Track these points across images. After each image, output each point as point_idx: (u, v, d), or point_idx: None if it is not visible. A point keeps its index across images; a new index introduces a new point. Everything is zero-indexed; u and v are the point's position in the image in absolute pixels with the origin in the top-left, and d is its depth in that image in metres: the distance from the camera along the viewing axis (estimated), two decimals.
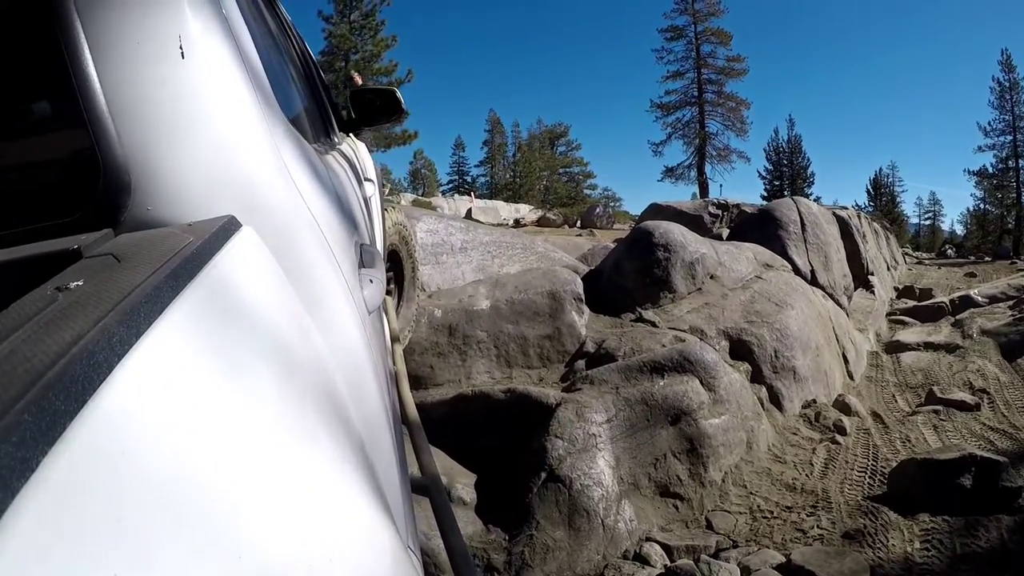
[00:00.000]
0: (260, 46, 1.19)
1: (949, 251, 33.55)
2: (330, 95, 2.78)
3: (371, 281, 1.43)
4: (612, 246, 10.00)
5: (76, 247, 0.64)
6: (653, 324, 6.41)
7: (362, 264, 1.44)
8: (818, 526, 4.43)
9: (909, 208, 65.27)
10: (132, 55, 0.82)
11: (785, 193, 44.84)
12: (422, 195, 41.95)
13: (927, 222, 67.52)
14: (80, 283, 0.52)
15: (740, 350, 6.22)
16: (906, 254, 24.49)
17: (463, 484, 4.54)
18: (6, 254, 0.64)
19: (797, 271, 8.81)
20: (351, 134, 3.05)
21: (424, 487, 1.60)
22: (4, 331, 0.42)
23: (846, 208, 15.01)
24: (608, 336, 6.06)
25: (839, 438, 5.79)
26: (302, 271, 0.96)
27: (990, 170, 44.37)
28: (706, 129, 43.64)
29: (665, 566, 4.19)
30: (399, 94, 3.05)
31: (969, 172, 45.67)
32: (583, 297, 6.49)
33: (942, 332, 9.13)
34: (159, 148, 0.81)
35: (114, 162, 0.77)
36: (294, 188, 1.06)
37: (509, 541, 4.17)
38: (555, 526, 4.18)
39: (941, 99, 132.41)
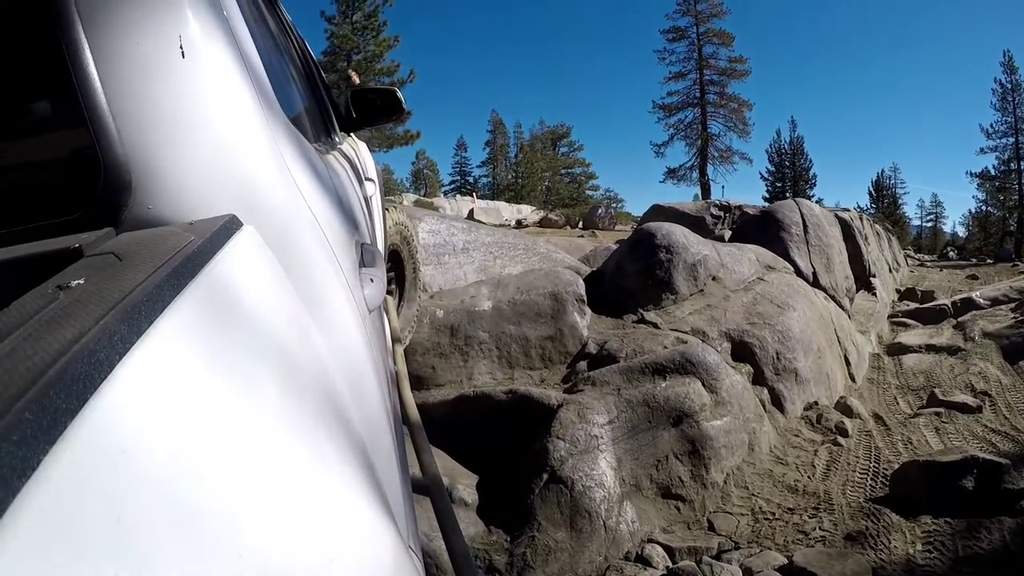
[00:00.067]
0: (260, 45, 1.19)
1: (951, 253, 33.58)
2: (331, 95, 2.78)
3: (371, 280, 1.43)
4: (614, 247, 9.98)
5: (77, 246, 0.64)
6: (655, 325, 6.41)
7: (362, 263, 1.44)
8: (820, 528, 4.42)
9: (911, 210, 65.31)
10: (133, 55, 0.82)
11: (787, 195, 44.83)
12: (424, 195, 42.00)
13: (929, 224, 67.51)
14: (81, 281, 0.52)
15: (742, 352, 6.22)
16: (908, 256, 24.46)
17: (465, 485, 4.54)
18: (7, 252, 0.64)
19: (799, 273, 8.81)
20: (352, 133, 3.05)
21: (425, 487, 1.60)
22: (5, 329, 0.42)
23: (848, 210, 15.01)
24: (610, 337, 6.05)
25: (841, 440, 5.79)
26: (303, 270, 0.96)
27: (992, 172, 44.27)
28: (708, 130, 43.58)
29: (667, 567, 4.18)
30: (400, 94, 3.05)
31: (971, 174, 45.62)
32: (585, 298, 6.49)
33: (944, 334, 9.12)
34: (160, 147, 0.81)
35: (115, 161, 0.77)
36: (295, 187, 1.06)
37: (511, 542, 4.17)
38: (557, 527, 4.18)
39: (943, 101, 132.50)
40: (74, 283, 0.51)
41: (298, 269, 0.93)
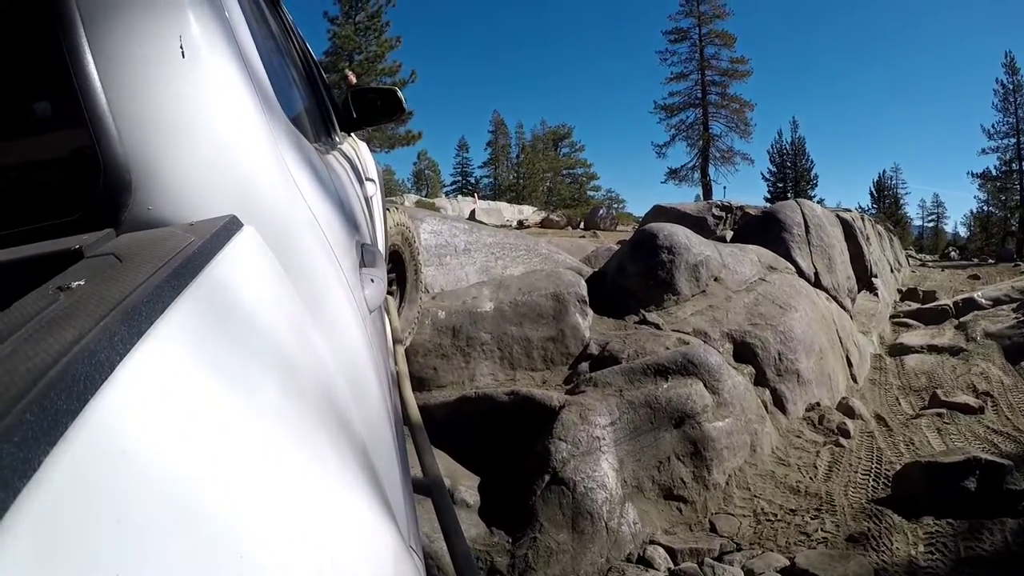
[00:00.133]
0: (261, 45, 1.19)
1: (952, 253, 33.50)
2: (331, 95, 2.78)
3: (372, 281, 1.43)
4: (616, 248, 9.99)
5: (78, 247, 0.64)
6: (657, 326, 6.41)
7: (363, 263, 1.44)
8: (822, 529, 4.42)
9: (912, 210, 65.00)
10: (133, 55, 0.82)
11: (789, 195, 44.72)
12: (425, 196, 41.99)
13: (930, 224, 67.41)
14: (82, 283, 0.52)
15: (744, 353, 6.22)
16: (909, 256, 24.44)
17: (466, 486, 4.54)
18: (8, 254, 0.64)
19: (801, 273, 8.81)
20: (352, 133, 3.05)
21: (427, 488, 1.60)
22: (6, 330, 0.42)
23: (850, 210, 15.02)
24: (612, 338, 6.05)
25: (843, 441, 5.79)
26: (303, 270, 0.96)
27: (994, 172, 44.23)
28: (710, 131, 43.55)
29: (669, 569, 4.18)
30: (400, 94, 3.05)
31: (973, 174, 45.58)
32: (587, 299, 6.49)
33: (946, 335, 9.12)
34: (160, 147, 0.81)
35: (115, 161, 0.77)
36: (295, 187, 1.06)
37: (512, 544, 4.17)
38: (559, 529, 4.17)
39: (944, 101, 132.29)
40: (74, 284, 0.51)
41: (298, 269, 0.93)
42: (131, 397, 0.41)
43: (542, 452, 4.54)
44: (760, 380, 6.12)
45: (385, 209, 3.70)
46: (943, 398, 6.75)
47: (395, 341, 2.47)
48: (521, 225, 25.33)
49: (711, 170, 43.38)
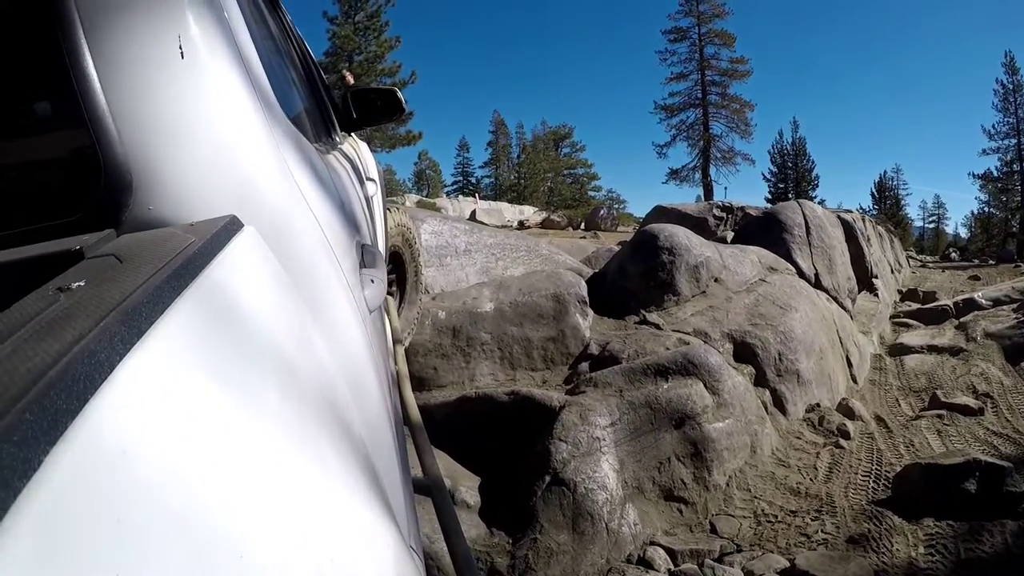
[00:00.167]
0: (260, 46, 1.19)
1: (953, 254, 33.46)
2: (331, 95, 2.78)
3: (372, 281, 1.43)
4: (616, 248, 10.00)
5: (78, 247, 0.64)
6: (657, 327, 6.41)
7: (363, 264, 1.44)
8: (822, 530, 4.42)
9: (913, 211, 64.99)
10: (132, 55, 0.82)
11: (789, 196, 44.69)
12: (426, 196, 41.99)
13: (931, 225, 67.36)
14: (82, 283, 0.52)
15: (744, 353, 6.22)
16: (910, 257, 24.43)
17: (466, 487, 4.54)
18: (8, 254, 0.64)
19: (801, 274, 8.81)
20: (352, 133, 3.05)
21: (427, 488, 1.60)
22: (6, 331, 0.42)
23: (850, 211, 15.01)
24: (612, 339, 6.05)
25: (843, 442, 5.79)
26: (303, 270, 0.96)
27: (994, 173, 44.19)
28: (710, 131, 43.55)
29: (669, 570, 4.18)
30: (400, 94, 3.06)
31: (973, 175, 45.54)
32: (587, 300, 6.49)
33: (946, 335, 9.12)
34: (160, 148, 0.81)
35: (115, 162, 0.77)
36: (295, 188, 1.06)
37: (513, 544, 4.17)
38: (559, 530, 4.17)
39: (945, 102, 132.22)
40: (75, 285, 0.51)
41: (299, 270, 0.93)
42: (131, 397, 0.41)
43: (542, 452, 4.54)
44: (760, 381, 6.12)
45: (385, 209, 3.70)
46: (943, 399, 6.75)
47: (395, 341, 2.47)
48: (522, 226, 25.36)
49: (712, 170, 43.41)
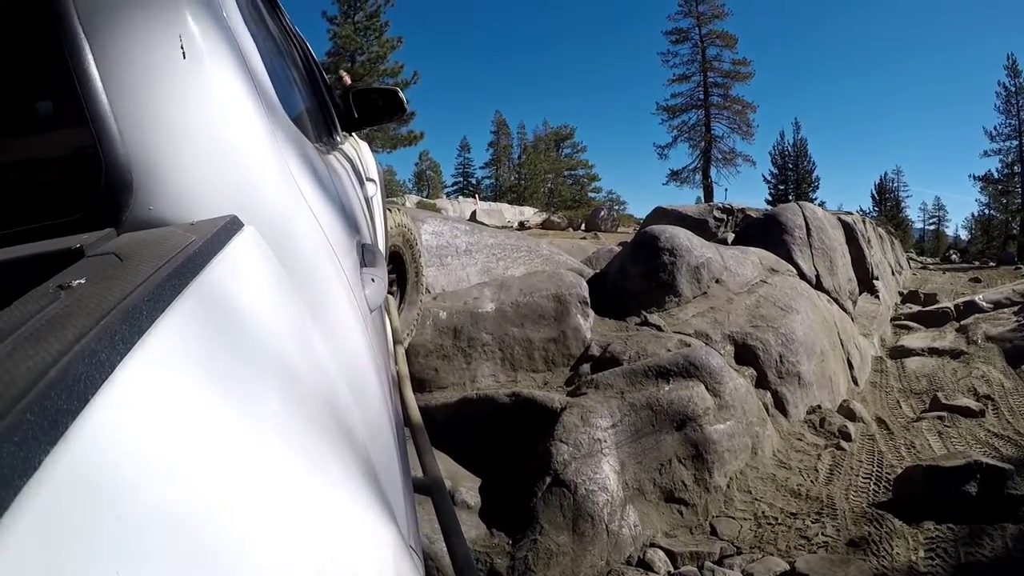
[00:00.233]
0: (261, 45, 1.19)
1: (953, 256, 33.40)
2: (332, 95, 2.78)
3: (372, 280, 1.43)
4: (617, 249, 10.00)
5: (78, 246, 0.64)
6: (658, 328, 6.41)
7: (364, 263, 1.44)
8: (823, 533, 4.42)
9: (914, 213, 64.74)
10: (134, 55, 0.82)
11: (790, 197, 44.65)
12: (427, 197, 41.99)
13: (932, 227, 67.17)
14: (82, 282, 0.51)
15: (745, 355, 6.22)
16: (910, 259, 24.41)
17: (467, 488, 4.54)
18: (8, 253, 0.64)
19: (802, 276, 8.81)
20: (353, 133, 3.06)
21: (427, 487, 1.60)
22: (6, 329, 0.42)
23: (851, 213, 15.02)
24: (613, 340, 6.06)
25: (844, 444, 5.79)
26: (304, 270, 0.96)
27: (995, 175, 44.16)
28: (712, 132, 43.57)
29: (669, 572, 4.18)
30: (401, 94, 3.05)
31: (974, 177, 45.50)
32: (588, 300, 6.49)
33: (947, 337, 9.12)
34: (161, 147, 0.81)
35: (116, 161, 0.77)
36: (296, 187, 1.06)
37: (513, 545, 4.17)
38: (559, 531, 4.17)
39: (946, 104, 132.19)
40: (75, 283, 0.51)
41: (299, 269, 0.93)
42: (131, 397, 0.41)
43: (543, 454, 4.54)
44: (761, 382, 6.12)
45: (386, 210, 3.70)
46: (944, 401, 6.76)
47: (396, 342, 2.47)
48: (522, 226, 25.35)
49: (713, 172, 43.43)
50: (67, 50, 0.78)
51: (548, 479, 4.39)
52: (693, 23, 43.23)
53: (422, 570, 1.01)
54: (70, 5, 0.80)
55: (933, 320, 10.51)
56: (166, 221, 0.78)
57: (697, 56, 43.70)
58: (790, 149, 52.12)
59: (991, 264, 23.40)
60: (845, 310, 9.20)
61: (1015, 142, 42.25)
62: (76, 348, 0.39)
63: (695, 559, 4.28)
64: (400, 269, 4.54)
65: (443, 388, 5.56)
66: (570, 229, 25.58)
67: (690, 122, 44.46)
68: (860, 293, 10.63)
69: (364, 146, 3.29)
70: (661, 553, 4.30)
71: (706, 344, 5.98)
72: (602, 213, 29.10)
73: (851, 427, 6.08)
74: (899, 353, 8.85)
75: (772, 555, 4.23)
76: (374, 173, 3.17)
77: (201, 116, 0.87)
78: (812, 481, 5.18)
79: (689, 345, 5.80)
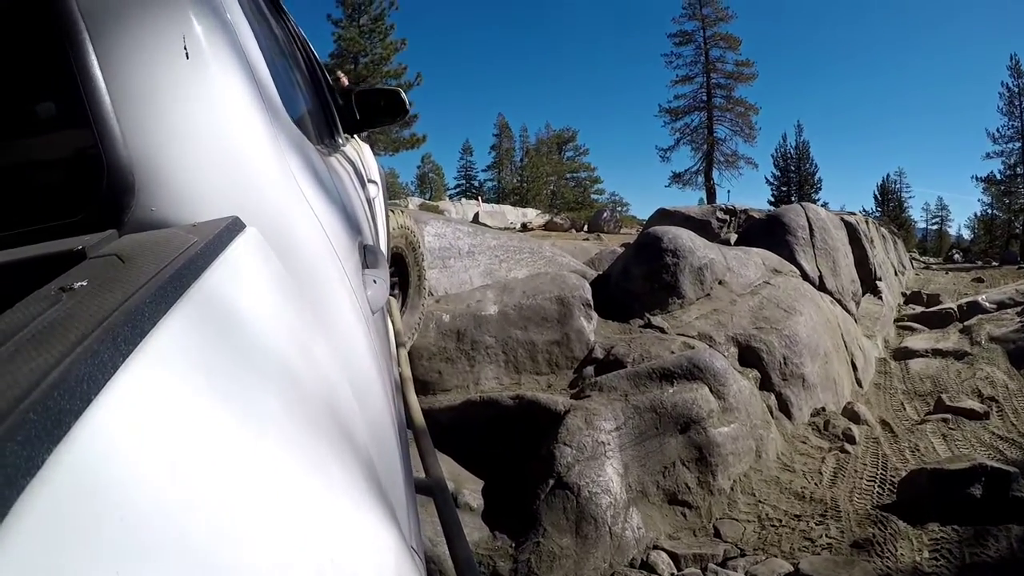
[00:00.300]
0: (264, 47, 1.19)
1: (956, 256, 33.37)
2: (334, 96, 2.78)
3: (375, 282, 1.43)
4: (620, 251, 9.99)
5: (80, 248, 0.64)
6: (662, 330, 6.40)
7: (366, 264, 1.44)
8: (827, 535, 4.41)
9: (916, 213, 64.64)
10: (137, 56, 0.82)
11: (793, 199, 44.58)
12: (429, 199, 42.04)
13: (934, 227, 67.16)
14: (84, 283, 0.52)
15: (749, 357, 6.21)
16: (913, 259, 24.38)
17: (470, 490, 4.54)
18: (10, 254, 0.64)
19: (805, 277, 8.80)
20: (355, 135, 3.05)
21: (428, 488, 1.60)
22: (9, 331, 0.42)
23: (854, 214, 14.99)
24: (617, 342, 6.05)
25: (848, 447, 5.78)
26: (306, 271, 0.96)
27: (998, 176, 44.04)
28: (714, 134, 43.54)
29: (672, 575, 4.17)
30: (403, 95, 3.04)
31: (977, 178, 45.38)
32: (592, 303, 6.49)
33: (950, 339, 9.11)
34: (163, 149, 0.81)
35: (118, 162, 0.77)
36: (297, 189, 1.06)
37: (515, 548, 4.16)
38: (562, 533, 4.17)
39: (949, 105, 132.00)
40: (77, 285, 0.51)
41: (301, 270, 0.93)
42: (133, 398, 0.41)
43: (547, 456, 4.54)
44: (765, 384, 6.11)
45: (388, 211, 3.70)
46: (948, 403, 6.73)
47: (398, 344, 2.47)
48: (525, 228, 25.39)
49: (715, 174, 43.39)
50: (70, 50, 0.78)
51: (551, 481, 4.39)
52: (697, 25, 43.25)
53: (424, 572, 1.01)
54: (73, 5, 0.80)
55: (936, 321, 10.49)
56: (168, 222, 0.78)
57: (700, 58, 43.71)
58: (792, 151, 52.16)
59: (994, 264, 23.38)
60: (848, 311, 9.18)
61: (1018, 144, 42.12)
62: (78, 350, 0.39)
63: (699, 561, 4.27)
64: (402, 272, 4.52)
65: (447, 391, 5.56)
66: (573, 231, 25.61)
67: (692, 124, 44.52)
68: (863, 294, 10.61)
69: (366, 148, 3.29)
70: (664, 555, 4.29)
71: (710, 346, 5.97)
72: (605, 215, 29.13)
73: (855, 430, 6.07)
74: (903, 354, 8.83)
75: (776, 557, 4.22)
76: (376, 175, 3.16)
77: (203, 117, 0.88)
78: (816, 484, 5.17)
79: (693, 347, 5.80)
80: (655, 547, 4.38)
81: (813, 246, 9.42)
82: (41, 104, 0.89)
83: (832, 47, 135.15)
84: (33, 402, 0.33)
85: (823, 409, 6.40)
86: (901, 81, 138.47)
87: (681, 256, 7.13)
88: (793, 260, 8.96)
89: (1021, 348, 8.14)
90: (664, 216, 13.63)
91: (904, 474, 5.03)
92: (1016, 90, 42.09)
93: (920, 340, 9.40)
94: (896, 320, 11.10)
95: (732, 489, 4.95)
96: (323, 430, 0.68)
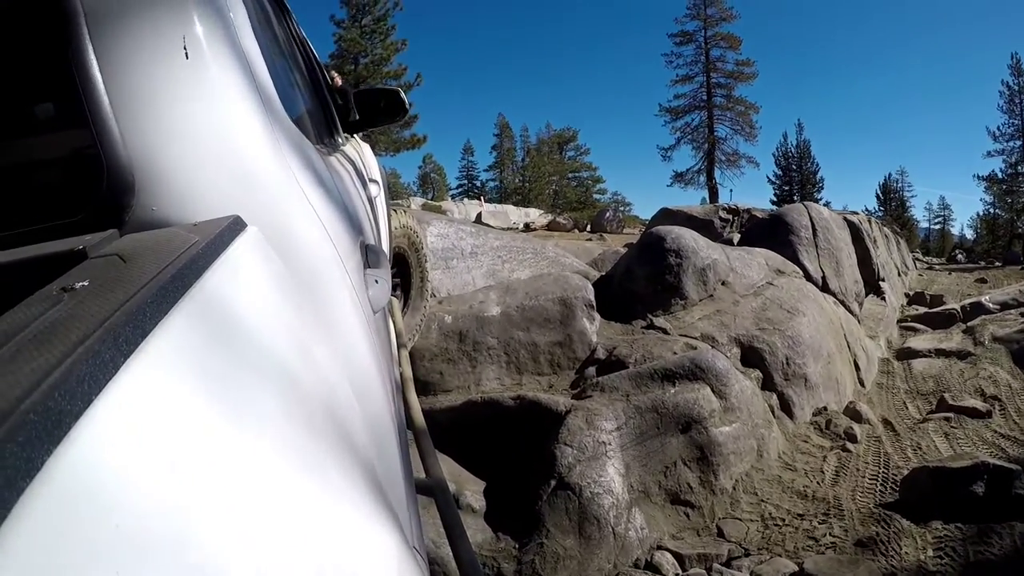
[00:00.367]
0: (264, 47, 1.19)
1: (959, 256, 33.28)
2: (334, 96, 2.78)
3: (376, 281, 1.43)
4: (623, 251, 9.98)
5: (81, 248, 0.64)
6: (664, 331, 6.40)
7: (367, 264, 1.44)
8: (830, 534, 4.40)
9: (919, 213, 64.56)
10: (136, 56, 0.83)
11: (795, 198, 44.56)
12: (432, 199, 42.03)
13: (937, 227, 67.08)
14: (85, 283, 0.52)
15: (751, 357, 6.20)
16: (916, 259, 24.38)
17: (472, 491, 4.54)
18: (12, 255, 0.64)
19: (808, 277, 8.79)
20: (355, 135, 3.05)
21: (429, 488, 1.59)
22: (10, 331, 0.42)
23: (856, 213, 14.98)
24: (619, 343, 6.05)
25: (850, 446, 5.77)
26: (307, 271, 0.96)
27: (1000, 175, 43.97)
28: (715, 134, 43.50)
29: (677, 575, 4.17)
30: (403, 95, 3.05)
31: (979, 177, 45.34)
32: (594, 304, 6.49)
33: (953, 339, 9.09)
34: (163, 148, 0.81)
35: (118, 162, 0.77)
36: (298, 188, 1.06)
37: (519, 549, 4.16)
38: (565, 534, 4.17)
39: (950, 104, 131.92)
40: (78, 285, 0.51)
41: (302, 270, 0.93)
42: (135, 398, 0.41)
43: (548, 457, 4.54)
44: (767, 385, 6.10)
45: (390, 211, 3.69)
46: (951, 402, 6.73)
47: (399, 344, 2.46)
48: (527, 228, 25.38)
49: (717, 173, 43.32)
50: (70, 51, 0.78)
51: (553, 482, 4.39)
52: (700, 25, 43.20)
53: (426, 572, 1.01)
54: (76, 5, 0.80)
55: (940, 321, 10.48)
56: (169, 222, 0.78)
57: (700, 57, 43.65)
58: (794, 150, 52.13)
59: (997, 264, 23.34)
60: (851, 312, 9.17)
61: (1019, 142, 42.06)
62: (79, 350, 0.39)
63: (703, 561, 4.27)
64: (404, 272, 4.50)
65: (448, 391, 5.56)
66: (576, 230, 25.60)
67: (693, 123, 44.43)
68: (866, 294, 10.61)
69: (366, 147, 3.29)
70: (668, 555, 4.29)
71: (712, 347, 5.96)
72: (608, 214, 29.09)
73: (857, 429, 6.06)
74: (905, 355, 8.82)
75: (780, 556, 4.21)
76: (377, 174, 3.16)
77: (203, 117, 0.88)
78: (818, 482, 5.16)
79: (695, 348, 5.80)
80: (659, 547, 4.38)
81: (816, 246, 9.41)
82: (41, 104, 0.90)
83: (833, 46, 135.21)
84: (34, 403, 0.33)
85: (825, 409, 6.40)
86: (902, 79, 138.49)
87: (684, 257, 7.13)
88: (796, 260, 8.95)
89: None
90: (667, 216, 13.63)
91: (907, 472, 5.02)
92: (1016, 88, 42.03)
93: (923, 340, 9.38)
94: (899, 321, 11.08)
95: (734, 489, 4.94)
96: (324, 430, 0.68)
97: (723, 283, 7.31)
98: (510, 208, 35.74)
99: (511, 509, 4.42)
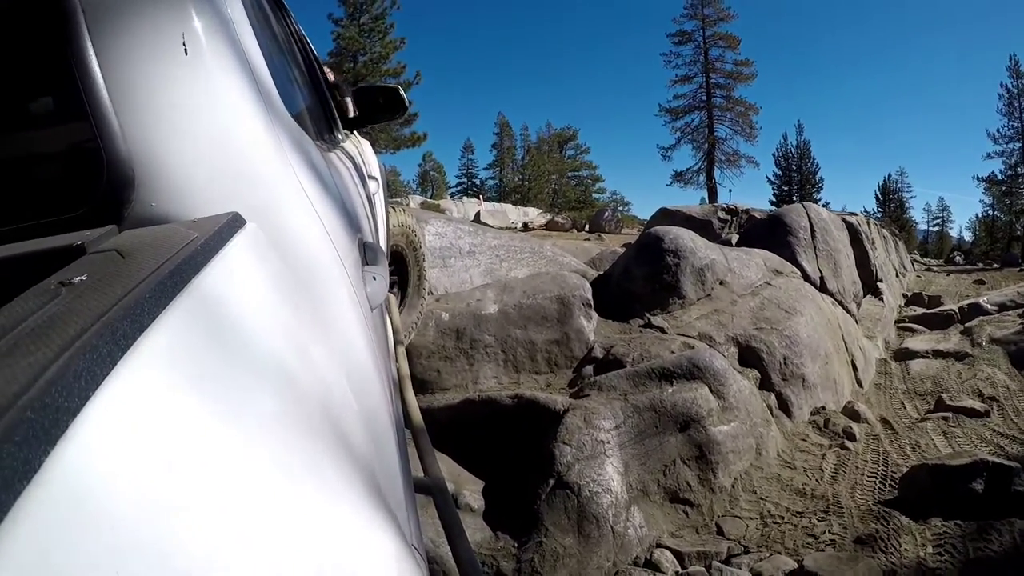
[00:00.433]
0: (263, 43, 1.19)
1: (957, 258, 33.30)
2: (333, 93, 2.78)
3: (374, 278, 1.43)
4: (621, 251, 9.99)
5: (80, 243, 0.64)
6: (662, 330, 6.40)
7: (365, 261, 1.44)
8: (829, 531, 4.41)
9: (918, 214, 64.66)
10: (136, 51, 0.83)
11: (794, 199, 44.60)
12: (431, 197, 42.04)
13: (935, 228, 67.14)
14: (83, 278, 0.51)
15: (749, 357, 6.21)
16: (915, 260, 24.39)
17: (471, 490, 4.54)
18: (10, 249, 0.64)
19: (807, 277, 8.79)
20: (355, 131, 3.05)
21: (427, 487, 1.59)
22: (7, 326, 0.41)
23: (855, 214, 14.98)
24: (617, 342, 6.05)
25: (848, 444, 5.78)
26: (305, 267, 0.96)
27: (999, 177, 44.05)
28: (715, 134, 43.54)
29: (676, 573, 4.18)
30: (402, 92, 3.05)
31: (978, 178, 45.40)
32: (592, 302, 6.49)
33: (951, 340, 9.10)
34: (163, 144, 0.81)
35: (117, 158, 0.77)
36: (297, 184, 1.06)
37: (518, 548, 4.16)
38: (564, 533, 4.17)
39: (950, 105, 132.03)
40: (76, 280, 0.51)
41: (301, 267, 0.94)
42: (132, 395, 0.40)
43: (547, 456, 4.54)
44: (765, 384, 6.11)
45: (388, 208, 3.69)
46: (948, 402, 6.74)
47: (396, 342, 2.46)
48: (526, 227, 25.36)
49: (716, 173, 43.36)
50: (70, 46, 0.78)
51: (552, 481, 4.39)
52: (698, 25, 43.24)
53: (426, 571, 1.01)
54: (75, 1, 0.80)
55: (938, 322, 10.49)
56: (168, 218, 0.78)
57: (699, 57, 43.69)
58: (793, 151, 52.19)
59: (995, 266, 23.34)
60: (849, 312, 9.17)
61: (1018, 144, 42.11)
62: (77, 345, 0.39)
63: (702, 559, 4.27)
64: (402, 270, 4.50)
65: (445, 390, 5.56)
66: (574, 230, 25.59)
67: (693, 123, 44.48)
68: (864, 295, 10.61)
69: (366, 144, 3.30)
70: (668, 553, 4.29)
71: (710, 346, 5.97)
72: (606, 214, 29.09)
73: (855, 428, 6.07)
74: (903, 355, 8.82)
75: (780, 553, 4.22)
76: (376, 171, 3.17)
77: (203, 113, 0.88)
78: (817, 480, 5.17)
79: (693, 347, 5.80)
80: (658, 545, 4.38)
81: (814, 247, 9.41)
82: (41, 99, 0.90)
83: (832, 46, 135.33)
84: (31, 399, 0.33)
85: (823, 408, 6.41)
86: (902, 80, 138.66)
87: (682, 256, 7.13)
88: (794, 261, 8.95)
89: (1022, 349, 8.14)
90: (665, 216, 13.64)
91: (905, 470, 5.03)
92: (1015, 91, 42.08)
93: (921, 341, 9.39)
94: (897, 321, 11.09)
95: (733, 487, 4.95)
96: (322, 427, 0.68)
97: (721, 283, 7.32)
98: (509, 207, 35.74)
99: (510, 508, 4.42)
